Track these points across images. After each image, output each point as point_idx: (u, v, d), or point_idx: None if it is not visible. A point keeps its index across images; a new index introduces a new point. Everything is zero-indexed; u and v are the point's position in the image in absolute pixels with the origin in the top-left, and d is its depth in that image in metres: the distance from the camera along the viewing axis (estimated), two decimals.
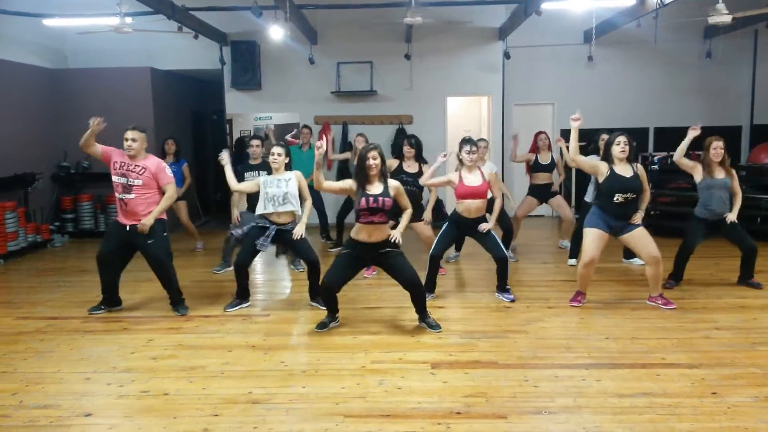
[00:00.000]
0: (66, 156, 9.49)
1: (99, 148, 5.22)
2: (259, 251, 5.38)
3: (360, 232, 4.66)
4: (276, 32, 7.96)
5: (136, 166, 5.17)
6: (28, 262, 7.83)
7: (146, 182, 5.18)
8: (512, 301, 5.53)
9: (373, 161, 4.58)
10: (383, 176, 4.67)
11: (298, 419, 3.37)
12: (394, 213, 4.85)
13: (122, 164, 5.18)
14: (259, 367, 4.13)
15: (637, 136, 6.88)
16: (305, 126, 8.55)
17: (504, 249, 5.58)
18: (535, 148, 7.57)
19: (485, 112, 10.62)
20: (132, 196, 5.14)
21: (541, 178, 7.55)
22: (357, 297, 5.75)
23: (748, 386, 3.69)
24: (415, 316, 4.96)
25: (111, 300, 5.45)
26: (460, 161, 5.51)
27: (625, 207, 5.10)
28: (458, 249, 7.43)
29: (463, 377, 3.89)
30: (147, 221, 5.13)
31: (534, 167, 7.55)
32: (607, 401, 3.52)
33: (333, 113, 10.06)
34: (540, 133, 7.61)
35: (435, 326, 4.81)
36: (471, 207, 5.45)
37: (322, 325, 4.85)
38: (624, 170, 5.09)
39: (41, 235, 8.64)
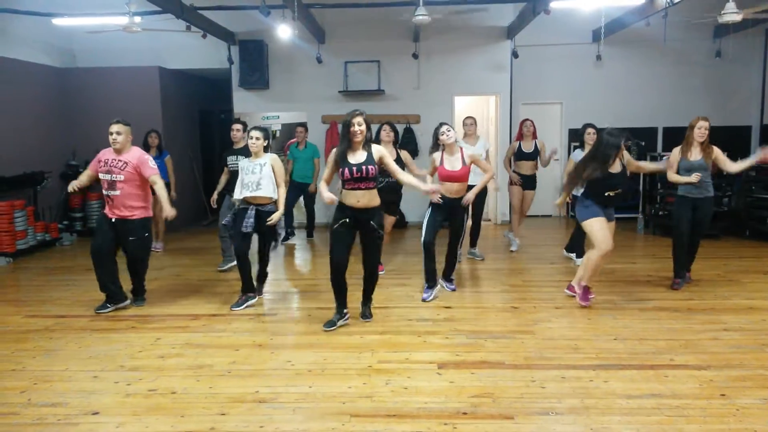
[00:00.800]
0: (75, 154, 9.54)
1: (92, 176, 5.42)
2: (249, 234, 5.36)
3: (347, 197, 4.63)
4: (284, 31, 7.96)
5: (119, 161, 5.23)
6: (36, 260, 7.88)
7: (128, 177, 5.23)
8: (453, 290, 5.78)
9: (359, 127, 4.53)
10: (367, 143, 4.64)
11: (305, 418, 3.38)
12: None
13: (107, 161, 5.25)
14: (265, 366, 4.14)
15: (646, 136, 6.86)
16: (300, 124, 8.60)
17: (458, 245, 5.75)
18: (519, 136, 7.56)
19: (493, 111, 10.59)
20: (117, 192, 5.22)
21: (525, 167, 7.52)
22: None
23: (757, 388, 3.66)
24: (422, 315, 4.95)
25: (115, 296, 5.46)
26: (441, 145, 5.57)
27: (614, 200, 5.21)
28: (473, 245, 7.41)
29: (469, 377, 3.88)
30: (170, 213, 5.28)
31: (517, 155, 7.53)
32: (615, 402, 3.50)
33: (340, 112, 10.02)
34: (525, 120, 7.60)
35: (368, 316, 4.97)
36: (451, 189, 5.53)
37: (330, 324, 4.83)
38: (614, 166, 5.14)
39: (50, 234, 8.69)
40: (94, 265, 5.36)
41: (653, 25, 8.24)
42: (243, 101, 10.24)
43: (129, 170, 5.23)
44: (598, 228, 5.14)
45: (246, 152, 6.38)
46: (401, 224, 9.78)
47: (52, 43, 9.57)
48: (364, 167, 4.52)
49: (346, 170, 4.54)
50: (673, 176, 5.75)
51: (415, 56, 9.70)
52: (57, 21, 8.55)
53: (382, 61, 9.93)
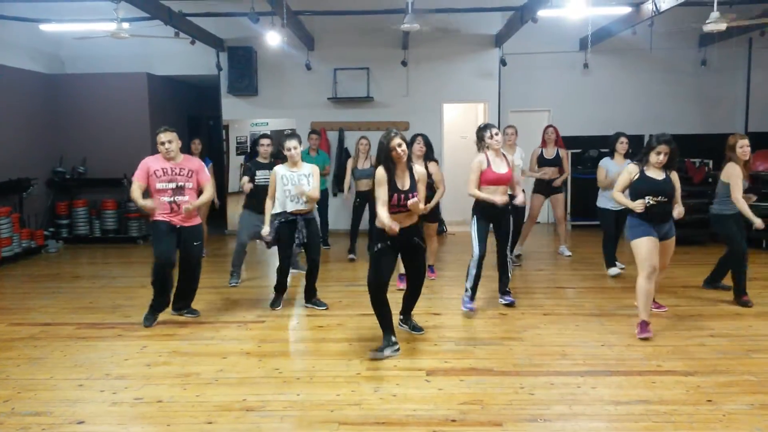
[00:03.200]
0: (61, 161, 9.48)
1: (143, 188, 5.10)
2: (297, 245, 5.42)
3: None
4: (273, 38, 7.97)
5: (182, 169, 5.09)
6: (22, 267, 7.79)
7: (194, 185, 5.16)
8: (512, 303, 5.53)
9: (400, 149, 4.28)
10: (408, 160, 4.45)
11: (293, 426, 3.36)
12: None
13: (166, 170, 5.05)
14: (253, 374, 4.11)
15: (632, 144, 6.88)
16: (313, 131, 8.56)
17: (510, 252, 5.55)
18: (542, 143, 7.60)
19: (481, 118, 10.62)
20: (186, 198, 5.09)
21: (549, 173, 7.54)
22: (352, 303, 5.74)
23: (743, 393, 3.69)
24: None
25: (164, 303, 5.26)
26: (484, 146, 5.35)
27: (659, 209, 4.75)
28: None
29: (458, 384, 3.88)
30: (193, 204, 5.08)
31: (539, 162, 7.55)
32: (603, 409, 3.51)
33: (329, 119, 10.07)
34: (548, 126, 7.65)
35: (418, 329, 4.81)
36: (497, 192, 5.29)
37: (381, 351, 4.40)
38: (655, 174, 4.77)
39: (36, 241, 8.61)
40: (161, 276, 5.06)
41: (640, 33, 8.33)
42: (232, 108, 10.23)
43: (195, 177, 5.15)
44: (645, 248, 4.71)
45: (273, 168, 6.37)
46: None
47: (40, 49, 9.51)
48: (411, 194, 4.34)
49: (395, 196, 4.31)
50: (741, 199, 5.35)
51: (404, 63, 9.73)
52: (44, 27, 8.50)
53: (371, 69, 9.96)
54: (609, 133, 7.05)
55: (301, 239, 5.34)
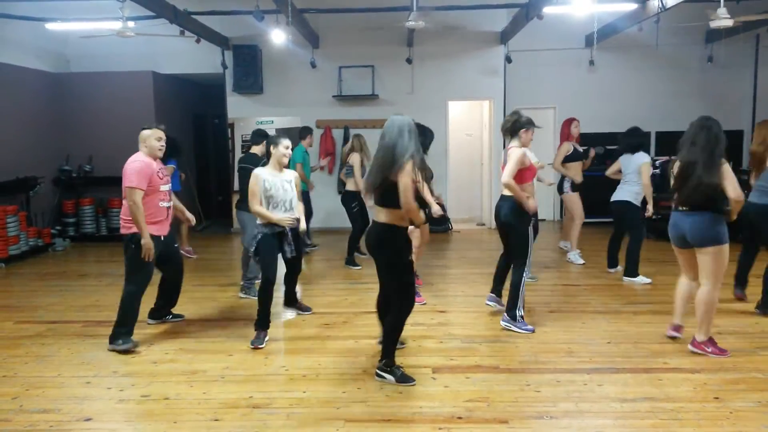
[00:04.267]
0: (68, 160, 9.51)
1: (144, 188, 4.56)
2: (286, 258, 4.94)
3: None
4: (278, 36, 7.97)
5: (163, 168, 4.85)
6: (29, 266, 7.83)
7: None
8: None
9: None
10: None
11: (299, 424, 3.36)
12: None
13: (162, 170, 4.76)
14: (259, 371, 4.12)
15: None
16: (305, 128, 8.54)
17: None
18: (568, 136, 7.11)
19: (487, 116, 10.61)
20: (171, 203, 4.89)
21: (579, 169, 7.13)
22: (358, 301, 5.74)
23: (750, 391, 3.67)
24: (416, 320, 4.92)
25: (135, 321, 4.88)
26: (519, 142, 4.89)
27: None
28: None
29: (464, 382, 3.88)
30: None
31: (574, 156, 7.06)
32: (609, 406, 3.50)
33: (334, 117, 10.07)
34: (573, 119, 7.19)
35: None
36: (533, 190, 4.97)
37: (408, 379, 3.93)
38: None
39: (43, 239, 8.64)
40: (139, 297, 4.65)
41: (646, 30, 8.29)
42: (237, 106, 10.24)
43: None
44: (727, 257, 4.16)
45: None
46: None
47: (46, 47, 9.54)
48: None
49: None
50: None
51: (409, 61, 9.72)
52: (50, 26, 8.53)
53: (376, 66, 9.95)
54: (615, 130, 7.01)
55: (292, 252, 4.90)
